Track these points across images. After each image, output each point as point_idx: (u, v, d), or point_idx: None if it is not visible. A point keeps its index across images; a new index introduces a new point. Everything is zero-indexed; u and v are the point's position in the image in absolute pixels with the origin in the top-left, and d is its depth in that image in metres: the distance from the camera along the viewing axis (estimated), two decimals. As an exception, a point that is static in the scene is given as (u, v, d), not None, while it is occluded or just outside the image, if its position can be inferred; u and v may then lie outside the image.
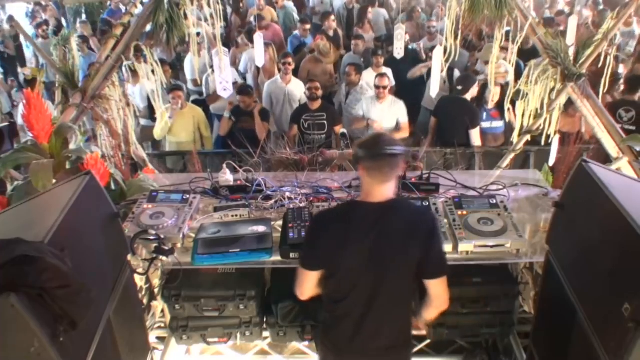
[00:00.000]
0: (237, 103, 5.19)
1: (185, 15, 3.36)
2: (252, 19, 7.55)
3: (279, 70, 5.73)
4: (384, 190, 1.85)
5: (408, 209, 1.95)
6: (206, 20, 3.41)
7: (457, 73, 5.81)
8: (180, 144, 5.18)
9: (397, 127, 5.20)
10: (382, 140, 1.82)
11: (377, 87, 5.07)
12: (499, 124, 5.12)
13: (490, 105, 5.03)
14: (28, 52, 8.45)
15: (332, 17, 7.46)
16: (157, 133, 5.15)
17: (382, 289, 1.89)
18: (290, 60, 5.55)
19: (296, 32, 7.41)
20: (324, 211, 2.05)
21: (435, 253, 1.90)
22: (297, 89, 5.57)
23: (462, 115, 4.93)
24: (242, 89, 5.19)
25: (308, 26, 7.26)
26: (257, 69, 6.32)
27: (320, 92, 5.04)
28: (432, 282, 1.91)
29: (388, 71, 6.08)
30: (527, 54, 4.79)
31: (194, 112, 5.29)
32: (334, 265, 1.89)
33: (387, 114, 5.13)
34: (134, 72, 4.17)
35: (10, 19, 9.02)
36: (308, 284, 1.95)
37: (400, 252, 1.86)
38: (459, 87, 5.08)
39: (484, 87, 5.13)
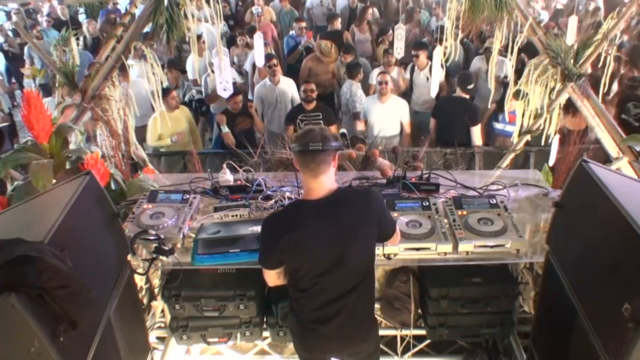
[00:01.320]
0: (225, 106, 5.20)
1: (185, 15, 3.36)
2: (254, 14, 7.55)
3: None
4: (319, 184, 1.89)
5: (352, 198, 1.98)
6: (207, 20, 3.40)
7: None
8: (173, 145, 5.18)
9: (400, 127, 5.20)
10: (309, 136, 1.84)
11: (379, 83, 5.06)
12: (512, 129, 5.01)
13: (510, 108, 4.97)
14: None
15: (339, 20, 7.45)
16: (151, 141, 5.13)
17: (344, 277, 1.96)
18: (274, 62, 5.53)
19: (292, 32, 7.39)
20: (273, 215, 2.06)
21: (387, 224, 2.05)
22: (288, 88, 5.57)
23: (462, 114, 4.93)
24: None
25: (303, 24, 7.21)
26: (253, 68, 6.33)
27: (314, 94, 5.04)
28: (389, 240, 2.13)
29: (400, 71, 6.11)
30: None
31: (184, 113, 5.29)
32: (293, 263, 1.95)
33: (389, 114, 5.13)
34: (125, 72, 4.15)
35: (18, 11, 9.03)
36: (270, 278, 2.06)
37: (356, 240, 1.94)
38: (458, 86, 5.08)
39: (505, 88, 5.12)
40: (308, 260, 1.92)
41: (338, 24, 7.30)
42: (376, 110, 5.12)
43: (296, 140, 1.88)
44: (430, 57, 5.80)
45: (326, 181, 1.90)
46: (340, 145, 1.93)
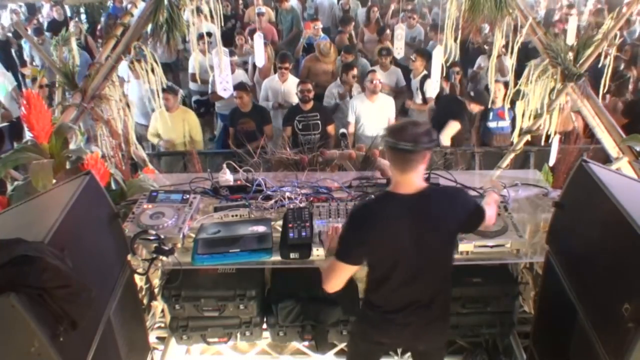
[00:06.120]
0: (229, 103, 5.20)
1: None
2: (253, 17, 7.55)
3: (275, 71, 5.74)
4: (408, 179, 1.88)
5: (441, 197, 1.98)
6: (206, 18, 3.40)
7: (429, 83, 5.82)
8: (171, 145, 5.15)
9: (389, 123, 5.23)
10: (405, 133, 1.81)
11: (369, 81, 5.06)
12: (504, 124, 5.12)
13: (497, 104, 4.99)
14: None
15: (352, 25, 7.43)
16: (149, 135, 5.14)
17: (426, 271, 1.97)
18: (287, 64, 5.55)
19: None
20: (362, 205, 2.05)
21: (475, 217, 2.02)
22: (294, 88, 5.58)
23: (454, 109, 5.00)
24: (238, 85, 5.19)
25: (319, 24, 7.10)
26: (254, 68, 6.34)
27: (312, 94, 5.03)
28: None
29: (397, 71, 6.12)
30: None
31: (184, 116, 5.19)
32: (380, 256, 1.94)
33: (379, 113, 5.13)
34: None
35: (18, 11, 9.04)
36: (343, 278, 1.96)
37: (442, 240, 1.97)
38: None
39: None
40: (396, 255, 1.91)
41: (351, 29, 7.24)
42: (366, 110, 5.12)
43: (390, 134, 1.85)
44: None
45: (415, 178, 1.89)
46: (435, 144, 1.91)
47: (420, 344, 2.20)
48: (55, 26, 7.71)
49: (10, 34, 8.68)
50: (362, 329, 2.19)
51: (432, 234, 1.91)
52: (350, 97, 5.56)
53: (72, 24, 7.43)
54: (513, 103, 4.06)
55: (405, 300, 2.01)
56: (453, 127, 4.96)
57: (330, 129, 5.00)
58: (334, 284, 1.97)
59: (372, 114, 5.10)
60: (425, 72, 5.83)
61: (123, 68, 4.98)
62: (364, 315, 2.17)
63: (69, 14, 8.72)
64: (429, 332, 2.13)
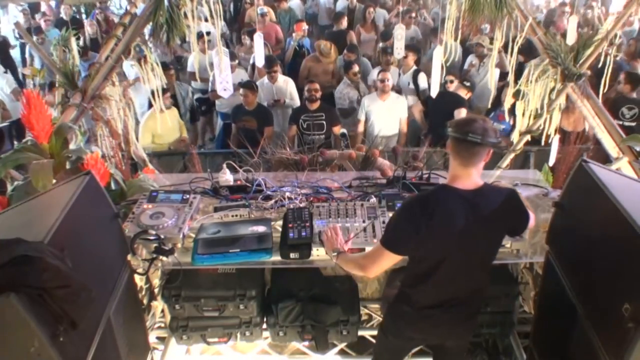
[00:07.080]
0: (229, 102, 5.21)
1: (185, 15, 3.36)
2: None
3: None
4: (468, 174, 1.87)
5: (496, 197, 1.95)
6: (206, 20, 3.41)
7: (422, 77, 5.84)
8: (164, 145, 5.22)
9: (400, 124, 5.23)
10: (471, 126, 1.81)
11: (380, 81, 5.07)
12: (500, 127, 5.16)
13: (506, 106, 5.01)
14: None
15: (345, 19, 7.43)
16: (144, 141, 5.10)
17: (469, 269, 1.98)
18: (275, 68, 5.56)
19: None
20: (417, 197, 2.04)
21: (524, 223, 2.03)
22: (286, 86, 5.59)
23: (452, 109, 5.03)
24: (245, 83, 5.20)
25: (304, 25, 7.09)
26: (253, 68, 6.35)
27: (319, 94, 5.03)
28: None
29: (395, 70, 6.12)
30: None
31: (174, 112, 5.32)
32: (428, 249, 1.92)
33: (389, 112, 5.14)
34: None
35: (25, 11, 9.05)
36: (385, 264, 1.97)
37: (490, 240, 1.98)
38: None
39: (502, 88, 5.18)
40: (444, 250, 1.90)
41: (344, 24, 7.28)
42: (376, 109, 5.13)
43: (457, 126, 1.85)
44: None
45: (474, 174, 1.88)
46: (499, 142, 1.90)
47: (449, 340, 2.21)
48: (62, 24, 7.71)
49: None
50: (396, 324, 2.18)
51: (483, 234, 1.91)
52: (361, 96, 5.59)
53: (87, 23, 7.48)
54: (513, 104, 4.06)
55: (444, 297, 2.01)
56: (462, 114, 5.00)
57: (336, 130, 4.99)
58: (376, 270, 2.00)
59: (382, 113, 5.12)
60: (415, 67, 5.90)
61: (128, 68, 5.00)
62: (398, 309, 2.15)
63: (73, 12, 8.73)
64: (461, 329, 2.15)
